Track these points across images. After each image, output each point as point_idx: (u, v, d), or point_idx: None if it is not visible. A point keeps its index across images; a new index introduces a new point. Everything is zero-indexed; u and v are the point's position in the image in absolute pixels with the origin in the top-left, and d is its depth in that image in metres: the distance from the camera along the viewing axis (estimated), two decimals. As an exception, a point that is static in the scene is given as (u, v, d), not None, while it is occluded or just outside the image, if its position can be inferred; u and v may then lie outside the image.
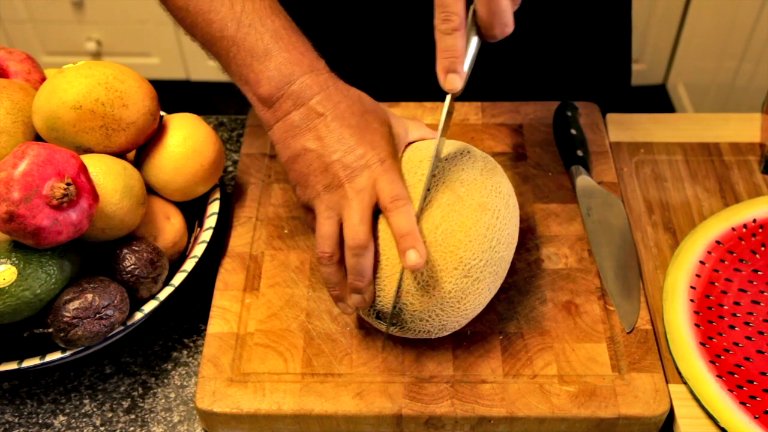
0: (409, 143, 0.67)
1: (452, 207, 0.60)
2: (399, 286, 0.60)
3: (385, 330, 0.64)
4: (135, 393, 0.68)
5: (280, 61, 0.63)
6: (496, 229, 0.61)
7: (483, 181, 0.62)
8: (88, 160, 0.66)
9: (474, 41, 0.61)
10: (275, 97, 0.63)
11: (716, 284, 0.70)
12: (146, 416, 0.66)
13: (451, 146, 0.65)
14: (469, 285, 0.61)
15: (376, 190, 0.61)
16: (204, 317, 0.72)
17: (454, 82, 0.59)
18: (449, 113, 0.64)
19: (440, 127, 0.64)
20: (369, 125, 0.63)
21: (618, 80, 1.04)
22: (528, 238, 0.74)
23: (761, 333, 0.66)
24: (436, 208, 0.60)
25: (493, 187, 0.63)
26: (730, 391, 0.62)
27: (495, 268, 0.62)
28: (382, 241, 0.61)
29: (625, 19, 0.99)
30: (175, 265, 0.72)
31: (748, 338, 0.66)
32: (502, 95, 0.90)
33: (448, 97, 0.63)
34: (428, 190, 0.62)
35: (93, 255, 0.68)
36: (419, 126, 0.69)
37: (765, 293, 0.69)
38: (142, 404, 0.67)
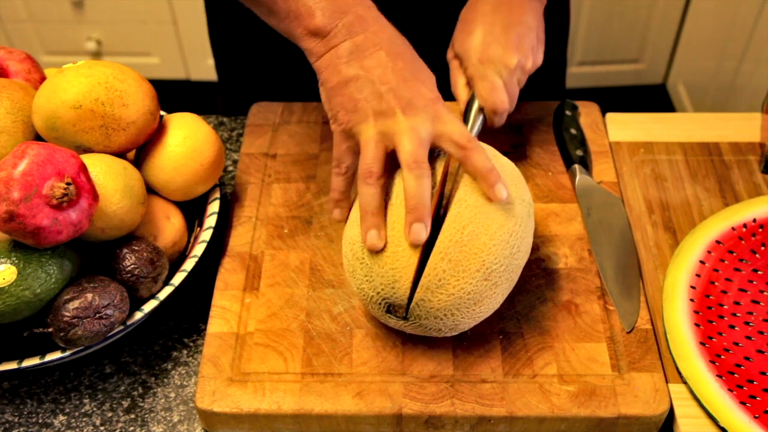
0: None
1: (480, 209, 0.60)
2: (415, 280, 0.60)
3: (394, 325, 0.64)
4: (135, 393, 0.68)
5: None
6: (518, 237, 0.61)
7: (510, 187, 0.63)
8: (88, 159, 0.66)
9: (480, 118, 0.73)
10: (329, 27, 0.63)
11: (716, 284, 0.70)
12: (146, 416, 0.66)
13: None
14: (488, 288, 0.61)
15: (443, 131, 0.62)
16: (204, 317, 0.72)
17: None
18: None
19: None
20: (419, 63, 0.65)
21: (552, 82, 1.04)
22: (528, 237, 0.75)
23: (761, 333, 0.66)
24: (465, 208, 0.60)
25: (518, 195, 0.63)
26: (730, 390, 0.62)
27: (511, 275, 0.62)
28: (396, 231, 0.61)
29: (563, 21, 0.99)
30: (175, 264, 0.72)
31: (748, 338, 0.66)
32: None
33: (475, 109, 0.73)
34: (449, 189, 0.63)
35: (93, 255, 0.68)
36: None
37: (765, 293, 0.69)
38: (142, 404, 0.67)
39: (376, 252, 0.61)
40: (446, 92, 0.88)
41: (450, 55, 0.77)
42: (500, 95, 0.71)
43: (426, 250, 0.63)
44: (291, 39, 0.67)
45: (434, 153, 0.65)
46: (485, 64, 0.72)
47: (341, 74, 0.63)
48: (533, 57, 0.74)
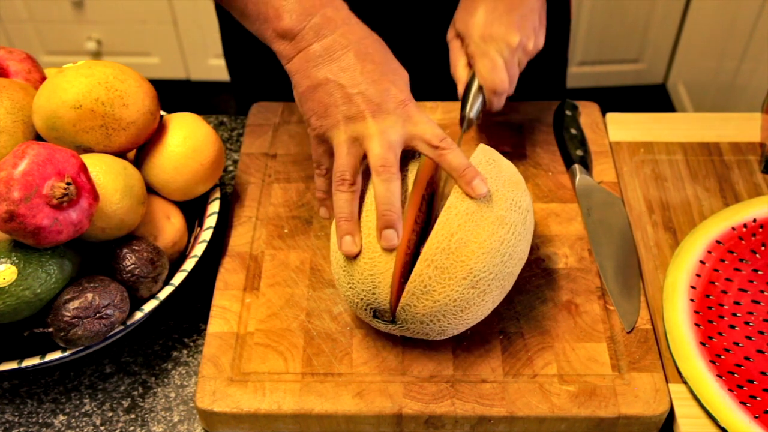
0: None
1: (470, 217, 0.60)
2: (402, 283, 0.60)
3: (383, 329, 0.64)
4: (135, 392, 0.68)
5: None
6: (509, 245, 0.61)
7: (504, 193, 0.62)
8: (88, 159, 0.66)
9: (479, 99, 0.72)
10: (297, 29, 0.64)
11: (716, 284, 0.70)
12: (146, 416, 0.66)
13: (480, 153, 0.65)
14: (475, 296, 0.61)
15: (415, 132, 0.62)
16: (204, 317, 0.72)
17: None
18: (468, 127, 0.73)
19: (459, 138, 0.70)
20: (390, 64, 0.65)
21: (553, 81, 1.04)
22: (528, 237, 0.74)
23: (761, 333, 0.66)
24: (455, 215, 0.60)
25: (513, 201, 0.62)
26: (730, 390, 0.62)
27: (502, 282, 0.62)
28: (372, 238, 0.61)
29: (564, 21, 1.00)
30: (175, 264, 0.72)
31: (748, 338, 0.66)
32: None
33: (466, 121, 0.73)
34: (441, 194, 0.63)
35: (93, 255, 0.68)
36: None
37: (765, 293, 0.69)
38: (142, 404, 0.67)
39: (353, 258, 0.61)
40: (433, 89, 0.88)
41: (450, 35, 0.77)
42: (500, 74, 0.71)
43: (416, 252, 0.62)
44: (264, 42, 0.67)
45: (415, 155, 0.65)
46: (487, 42, 0.72)
47: (311, 78, 0.63)
48: (535, 38, 0.73)
